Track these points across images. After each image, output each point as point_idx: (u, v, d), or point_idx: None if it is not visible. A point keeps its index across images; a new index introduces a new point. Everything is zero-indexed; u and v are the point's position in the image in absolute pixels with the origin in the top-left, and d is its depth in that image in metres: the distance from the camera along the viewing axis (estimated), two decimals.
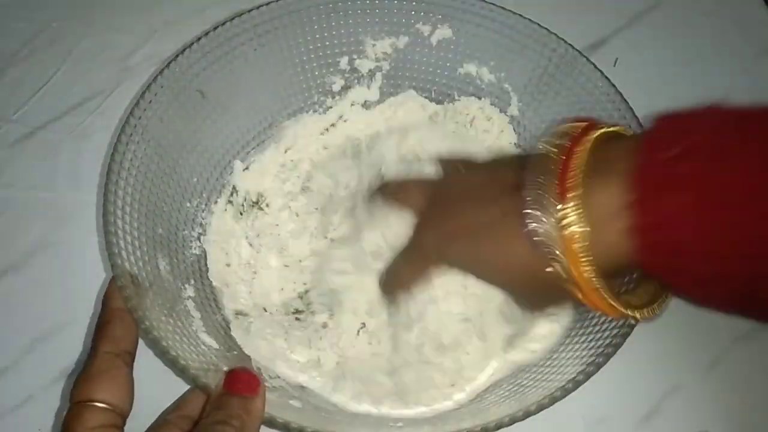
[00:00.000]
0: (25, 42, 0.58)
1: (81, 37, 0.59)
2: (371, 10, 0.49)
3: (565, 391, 0.35)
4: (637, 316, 0.34)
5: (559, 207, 0.31)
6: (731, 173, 0.28)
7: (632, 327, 0.37)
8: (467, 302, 0.41)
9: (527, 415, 0.34)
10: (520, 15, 0.48)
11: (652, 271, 0.31)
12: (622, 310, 0.33)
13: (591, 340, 0.39)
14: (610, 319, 0.39)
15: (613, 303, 0.32)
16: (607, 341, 0.37)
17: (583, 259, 0.31)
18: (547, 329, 0.43)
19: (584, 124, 0.34)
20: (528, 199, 0.32)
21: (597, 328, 0.40)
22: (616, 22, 0.62)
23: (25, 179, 0.52)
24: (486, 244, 0.36)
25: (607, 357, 0.36)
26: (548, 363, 0.41)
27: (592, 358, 0.37)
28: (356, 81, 0.53)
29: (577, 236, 0.31)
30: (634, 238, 0.30)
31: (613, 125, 0.34)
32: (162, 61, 0.56)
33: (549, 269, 0.32)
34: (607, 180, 0.30)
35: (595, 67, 0.46)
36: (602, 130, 0.33)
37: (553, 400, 0.35)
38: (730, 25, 0.62)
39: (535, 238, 0.32)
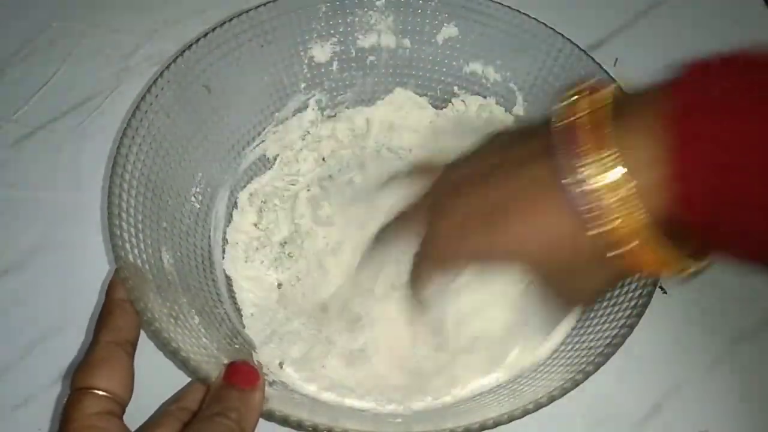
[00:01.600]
0: (25, 42, 0.58)
1: (81, 37, 0.59)
2: (377, 7, 0.50)
3: (564, 390, 0.35)
4: (693, 268, 0.30)
5: (593, 160, 0.28)
6: None
7: (632, 328, 0.37)
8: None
9: (525, 413, 0.34)
10: (527, 14, 0.48)
11: (690, 223, 0.28)
12: (678, 257, 0.29)
13: (591, 340, 0.39)
14: (610, 319, 0.39)
15: (669, 251, 0.29)
16: (607, 341, 0.37)
17: (634, 204, 0.28)
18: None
19: (589, 84, 0.31)
20: (558, 161, 0.29)
21: (597, 328, 0.40)
22: (616, 22, 0.62)
23: (25, 179, 0.52)
24: (507, 225, 0.32)
25: (607, 357, 0.36)
26: (547, 362, 0.41)
27: (592, 358, 0.37)
28: (362, 77, 0.53)
29: (621, 182, 0.28)
30: (675, 186, 0.27)
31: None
32: (162, 61, 0.57)
33: (593, 232, 0.28)
34: (639, 129, 0.28)
35: (601, 67, 0.46)
36: (614, 87, 0.30)
37: (552, 399, 0.35)
38: (730, 25, 0.62)
39: (574, 199, 0.28)
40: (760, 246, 0.27)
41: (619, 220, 0.28)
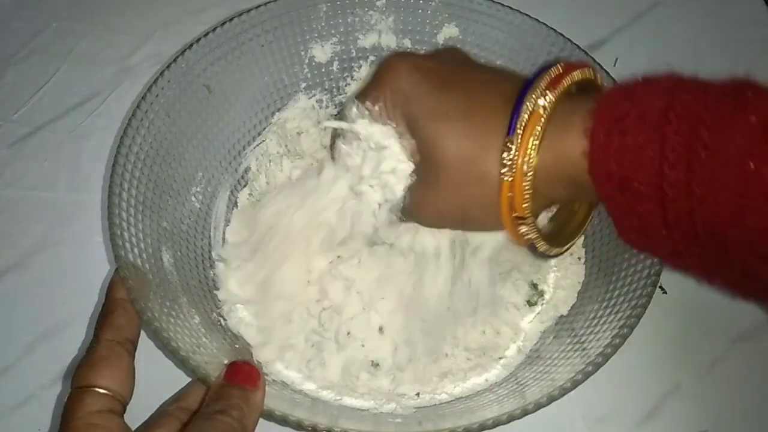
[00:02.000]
0: (25, 42, 0.58)
1: (81, 37, 0.59)
2: (378, 7, 0.50)
3: (564, 391, 0.35)
4: (537, 242, 0.35)
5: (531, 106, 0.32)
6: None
7: (632, 328, 0.37)
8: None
9: (525, 413, 0.34)
10: (527, 14, 0.48)
11: (594, 178, 0.31)
12: (526, 225, 0.34)
13: (590, 341, 0.39)
14: (610, 320, 0.39)
15: (526, 205, 0.33)
16: (607, 342, 0.37)
17: (532, 152, 0.32)
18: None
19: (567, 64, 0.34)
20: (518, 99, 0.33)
21: (597, 328, 0.40)
22: (616, 22, 0.62)
23: (25, 179, 0.52)
24: (458, 100, 0.35)
25: (607, 357, 0.36)
26: (547, 362, 0.41)
27: (591, 358, 0.37)
28: (362, 77, 0.53)
29: (537, 132, 0.32)
30: (588, 141, 0.31)
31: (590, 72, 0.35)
32: (162, 61, 0.57)
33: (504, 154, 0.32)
34: (575, 111, 0.32)
35: (601, 67, 0.46)
36: (580, 74, 0.34)
37: (552, 399, 0.35)
38: (730, 24, 0.62)
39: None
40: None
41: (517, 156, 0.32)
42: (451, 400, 0.42)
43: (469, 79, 0.36)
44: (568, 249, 0.38)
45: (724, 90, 0.29)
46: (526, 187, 0.33)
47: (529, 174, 0.32)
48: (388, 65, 0.37)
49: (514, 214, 0.34)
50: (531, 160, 0.32)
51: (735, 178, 0.27)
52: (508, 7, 0.48)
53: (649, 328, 0.39)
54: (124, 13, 0.61)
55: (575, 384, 0.35)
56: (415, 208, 0.38)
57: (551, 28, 0.48)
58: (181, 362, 0.35)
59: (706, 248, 0.29)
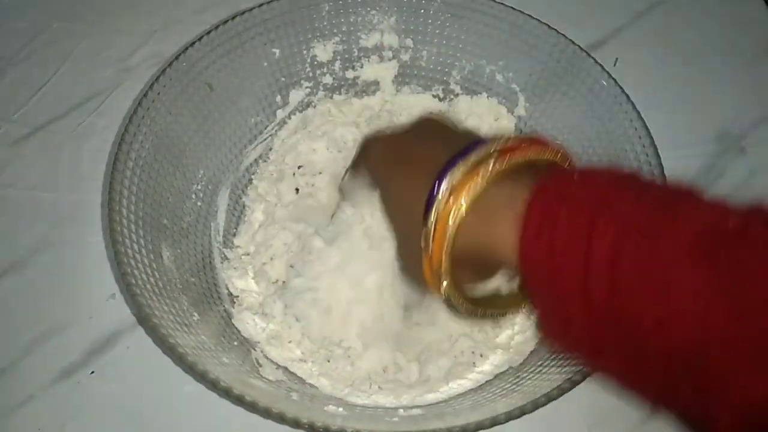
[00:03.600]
0: (25, 42, 0.58)
1: (81, 38, 0.59)
2: (380, 7, 0.50)
3: (562, 391, 0.35)
4: (447, 294, 0.36)
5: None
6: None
7: None
8: None
9: (523, 412, 0.34)
10: (529, 15, 0.48)
11: (524, 270, 0.32)
12: (443, 282, 0.35)
13: None
14: None
15: (444, 271, 0.34)
16: None
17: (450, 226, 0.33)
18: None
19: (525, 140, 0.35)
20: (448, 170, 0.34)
21: None
22: (616, 22, 0.62)
23: (25, 179, 0.52)
24: (402, 179, 0.38)
25: None
26: (545, 362, 0.41)
27: None
28: (365, 77, 0.53)
29: (461, 210, 0.33)
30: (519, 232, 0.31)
31: (546, 155, 0.35)
32: (162, 61, 0.57)
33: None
34: (514, 190, 0.32)
35: (603, 68, 0.46)
36: (531, 156, 0.34)
37: (550, 399, 0.35)
38: (730, 24, 0.62)
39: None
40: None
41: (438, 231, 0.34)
42: (447, 399, 0.42)
43: (422, 152, 0.38)
44: (488, 318, 0.38)
45: (661, 196, 0.30)
46: (446, 250, 0.34)
47: (448, 242, 0.33)
48: (363, 146, 0.42)
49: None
50: (450, 230, 0.33)
51: (658, 287, 0.27)
52: (509, 7, 0.49)
53: None
54: (124, 13, 0.61)
55: (573, 384, 0.35)
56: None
57: (552, 28, 0.48)
58: (179, 359, 0.35)
59: (628, 355, 0.29)
